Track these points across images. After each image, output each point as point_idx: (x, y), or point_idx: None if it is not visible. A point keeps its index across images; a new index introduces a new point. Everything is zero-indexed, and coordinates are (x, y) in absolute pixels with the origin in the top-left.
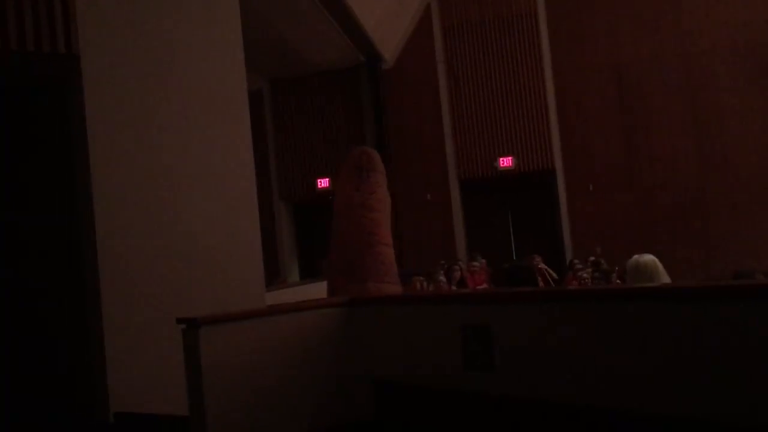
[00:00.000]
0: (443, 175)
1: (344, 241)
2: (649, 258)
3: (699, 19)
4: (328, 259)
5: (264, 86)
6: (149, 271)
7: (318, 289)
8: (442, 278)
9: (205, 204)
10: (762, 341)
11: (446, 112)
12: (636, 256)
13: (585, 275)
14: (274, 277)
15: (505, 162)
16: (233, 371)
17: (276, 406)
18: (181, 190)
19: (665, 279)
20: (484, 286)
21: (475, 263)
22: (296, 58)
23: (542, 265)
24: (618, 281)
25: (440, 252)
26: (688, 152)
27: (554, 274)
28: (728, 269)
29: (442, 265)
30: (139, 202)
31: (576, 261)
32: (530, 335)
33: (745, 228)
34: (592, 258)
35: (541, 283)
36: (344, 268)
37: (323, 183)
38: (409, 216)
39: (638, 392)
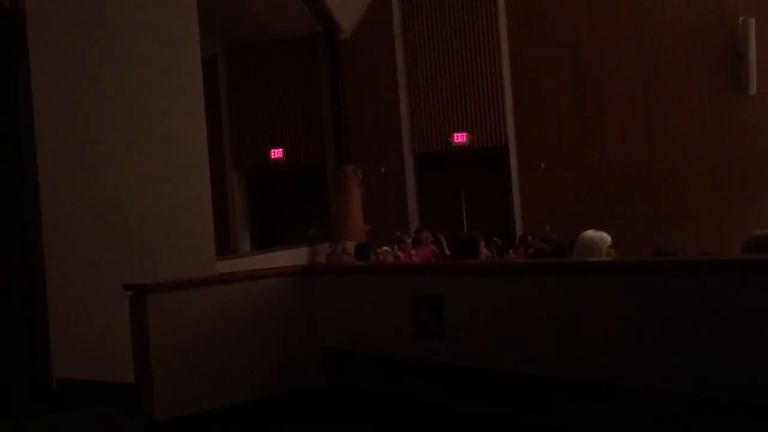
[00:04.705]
0: (398, 148)
1: (333, 219)
2: (596, 234)
3: (653, 1)
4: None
5: (218, 52)
6: (96, 238)
7: (270, 260)
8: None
9: (155, 171)
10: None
11: (402, 86)
12: (584, 232)
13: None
14: (225, 247)
15: (460, 138)
16: (182, 339)
17: (225, 374)
18: (130, 156)
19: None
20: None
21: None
22: (253, 24)
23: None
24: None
25: (393, 224)
26: (639, 133)
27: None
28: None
29: (398, 237)
30: (85, 167)
31: (529, 237)
32: (481, 306)
33: (692, 208)
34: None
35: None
36: (333, 233)
37: (277, 153)
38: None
39: (583, 361)
